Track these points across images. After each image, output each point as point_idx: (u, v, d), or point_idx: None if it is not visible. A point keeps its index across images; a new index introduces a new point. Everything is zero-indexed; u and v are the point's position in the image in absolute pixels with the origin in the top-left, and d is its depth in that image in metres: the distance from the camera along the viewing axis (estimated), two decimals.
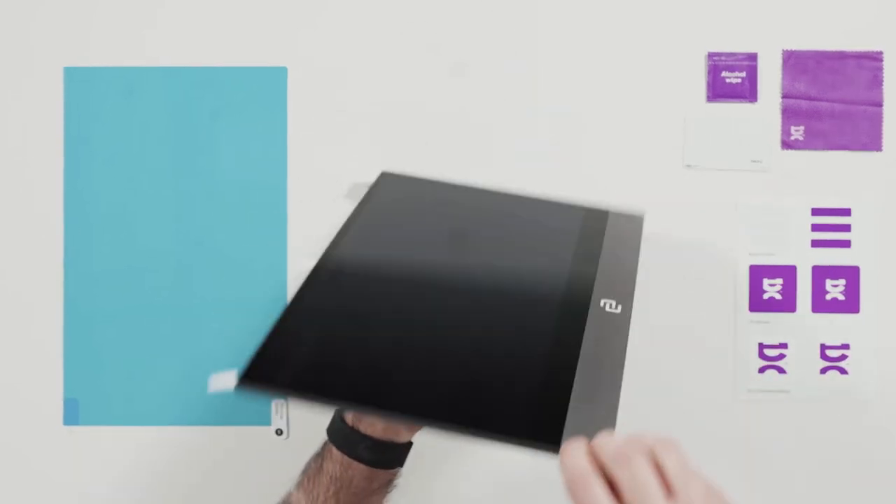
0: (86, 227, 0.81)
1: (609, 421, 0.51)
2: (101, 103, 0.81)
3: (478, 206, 0.70)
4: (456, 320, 0.59)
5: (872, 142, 0.80)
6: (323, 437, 0.64)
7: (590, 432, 0.46)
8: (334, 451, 0.62)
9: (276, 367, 0.53)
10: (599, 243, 0.65)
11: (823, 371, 0.80)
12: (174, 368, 0.81)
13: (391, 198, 0.70)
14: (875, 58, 0.80)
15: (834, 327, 0.80)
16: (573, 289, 0.60)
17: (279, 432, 0.80)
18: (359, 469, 0.61)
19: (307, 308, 0.58)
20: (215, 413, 0.81)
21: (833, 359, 0.80)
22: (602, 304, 0.59)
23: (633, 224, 0.70)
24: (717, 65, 0.80)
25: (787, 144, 0.81)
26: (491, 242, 0.67)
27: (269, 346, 0.54)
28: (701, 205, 0.80)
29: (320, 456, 0.63)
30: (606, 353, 0.55)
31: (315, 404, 0.53)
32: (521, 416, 0.51)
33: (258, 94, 0.81)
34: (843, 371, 0.80)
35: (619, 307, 0.59)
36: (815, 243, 0.80)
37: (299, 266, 0.81)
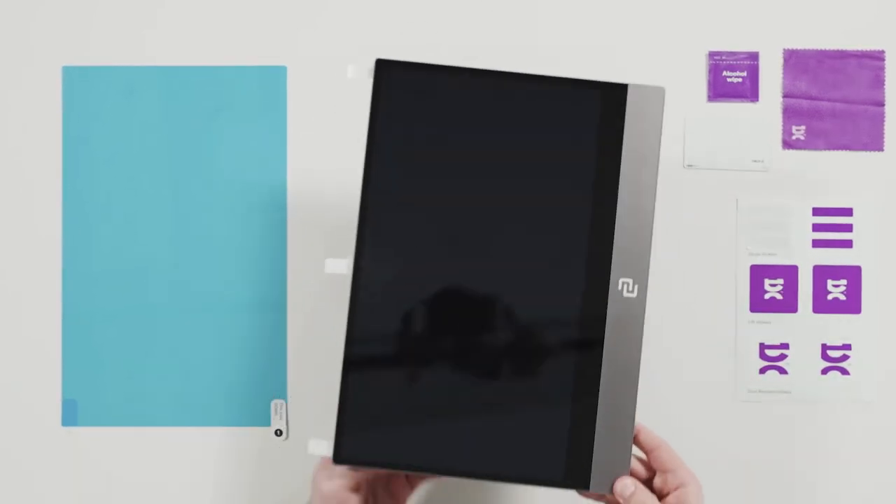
0: (85, 227, 0.81)
1: (625, 453, 0.60)
2: (100, 103, 0.81)
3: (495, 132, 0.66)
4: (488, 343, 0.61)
5: (874, 141, 0.80)
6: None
7: (613, 468, 0.59)
8: None
9: (359, 444, 0.59)
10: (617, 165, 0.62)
11: (825, 371, 0.80)
12: (174, 369, 0.80)
13: (404, 119, 0.63)
14: (877, 57, 0.80)
15: (835, 328, 0.80)
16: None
17: (279, 433, 0.80)
18: None
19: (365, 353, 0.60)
20: (215, 413, 0.80)
21: (834, 359, 0.80)
22: (620, 286, 0.60)
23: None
24: (717, 64, 0.80)
25: (788, 144, 0.80)
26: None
27: (346, 417, 0.58)
28: (701, 205, 0.80)
29: None
30: (623, 372, 0.62)
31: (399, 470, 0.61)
32: (553, 464, 0.59)
33: (258, 94, 0.81)
34: (844, 372, 0.79)
35: (636, 288, 0.60)
36: (817, 243, 0.80)
37: (299, 266, 0.81)
